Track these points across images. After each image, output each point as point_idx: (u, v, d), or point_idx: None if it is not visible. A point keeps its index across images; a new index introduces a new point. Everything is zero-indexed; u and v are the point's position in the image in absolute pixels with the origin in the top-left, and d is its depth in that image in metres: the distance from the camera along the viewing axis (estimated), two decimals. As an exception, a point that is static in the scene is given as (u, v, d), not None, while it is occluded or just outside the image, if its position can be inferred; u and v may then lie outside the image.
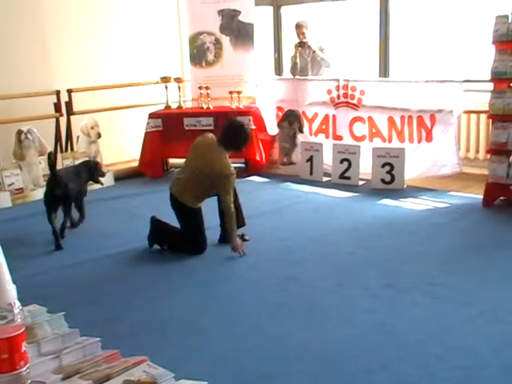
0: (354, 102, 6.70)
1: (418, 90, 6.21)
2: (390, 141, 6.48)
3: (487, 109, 5.51)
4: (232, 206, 4.47)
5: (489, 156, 5.55)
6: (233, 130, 4.67)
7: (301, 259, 4.38)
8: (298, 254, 4.48)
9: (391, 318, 3.38)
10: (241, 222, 4.76)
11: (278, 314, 3.51)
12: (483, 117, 6.23)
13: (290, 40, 7.71)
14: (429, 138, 6.17)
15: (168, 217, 4.73)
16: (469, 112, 6.32)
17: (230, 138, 4.58)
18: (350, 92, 6.72)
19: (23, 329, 1.45)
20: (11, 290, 1.61)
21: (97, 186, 6.80)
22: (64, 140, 7.06)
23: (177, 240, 4.68)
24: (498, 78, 5.29)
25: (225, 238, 4.72)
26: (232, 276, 4.15)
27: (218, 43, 7.67)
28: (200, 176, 4.51)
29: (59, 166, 6.75)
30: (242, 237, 4.71)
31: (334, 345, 3.11)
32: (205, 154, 4.55)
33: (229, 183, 4.45)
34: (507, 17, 5.20)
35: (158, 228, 4.71)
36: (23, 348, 1.44)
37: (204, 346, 3.16)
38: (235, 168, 4.69)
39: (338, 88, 6.81)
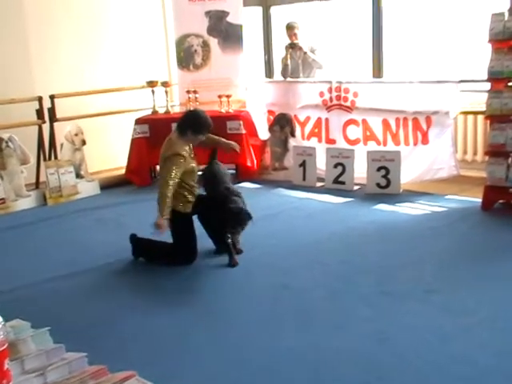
0: (348, 104, 6.72)
1: (413, 91, 6.24)
2: (384, 144, 6.51)
3: (484, 109, 5.55)
4: (166, 190, 4.32)
5: (487, 158, 5.59)
6: (186, 113, 4.79)
7: (293, 267, 4.39)
8: (291, 262, 4.49)
9: (388, 327, 3.39)
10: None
11: (270, 325, 3.51)
12: (480, 118, 6.27)
13: (280, 41, 7.74)
14: (425, 141, 6.20)
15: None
16: (465, 113, 6.36)
17: (184, 121, 4.63)
18: (342, 94, 6.75)
19: (6, 345, 1.45)
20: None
21: (80, 196, 6.83)
22: (47, 148, 7.04)
23: (162, 252, 4.68)
24: (494, 77, 5.32)
25: (220, 249, 4.70)
26: (223, 285, 4.15)
27: (205, 45, 7.69)
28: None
29: (42, 175, 6.77)
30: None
31: (329, 355, 3.12)
32: (164, 148, 4.59)
33: (171, 163, 4.40)
34: (503, 14, 5.23)
35: (139, 245, 4.73)
36: (6, 366, 1.45)
37: (194, 360, 3.16)
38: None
39: (330, 90, 6.84)
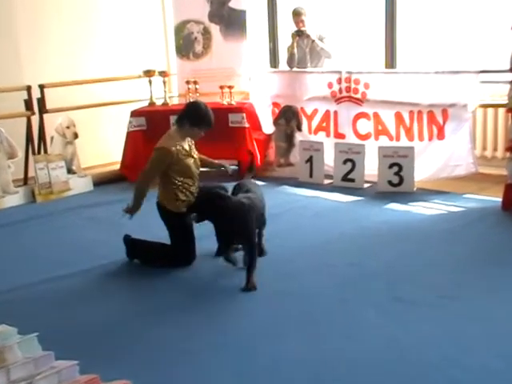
0: (358, 96, 6.71)
1: (429, 83, 6.22)
2: (397, 139, 6.49)
3: (506, 102, 5.53)
4: (144, 187, 4.58)
5: (508, 154, 5.57)
6: (187, 104, 4.87)
7: (299, 269, 4.38)
8: (297, 264, 4.48)
9: (401, 336, 3.36)
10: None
11: (274, 333, 3.48)
12: (501, 111, 6.24)
13: (286, 28, 7.72)
14: (441, 136, 6.18)
15: (153, 225, 4.74)
16: (485, 106, 6.33)
17: (184, 111, 4.66)
18: (353, 85, 6.74)
19: (-10, 352, 1.44)
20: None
21: (72, 192, 6.82)
22: (36, 141, 7.04)
23: (159, 253, 4.67)
24: (517, 67, 5.31)
25: (221, 251, 4.69)
26: (223, 291, 4.13)
27: (206, 33, 7.69)
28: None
29: (30, 170, 6.76)
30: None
31: (337, 366, 3.09)
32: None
33: (154, 157, 4.53)
34: (527, -1, 5.23)
35: (135, 246, 4.73)
36: (-10, 374, 1.43)
37: (193, 367, 3.14)
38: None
39: (339, 81, 6.82)
